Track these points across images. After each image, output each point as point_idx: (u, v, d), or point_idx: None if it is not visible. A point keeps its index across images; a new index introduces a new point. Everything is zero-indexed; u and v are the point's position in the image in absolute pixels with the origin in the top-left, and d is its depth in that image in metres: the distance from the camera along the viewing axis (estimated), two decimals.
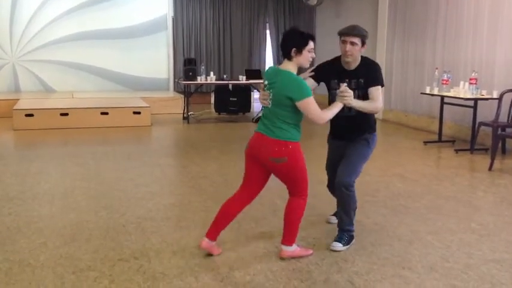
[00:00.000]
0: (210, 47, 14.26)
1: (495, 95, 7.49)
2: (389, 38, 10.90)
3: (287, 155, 3.45)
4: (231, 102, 11.41)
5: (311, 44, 3.46)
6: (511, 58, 7.66)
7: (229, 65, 14.41)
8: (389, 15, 10.86)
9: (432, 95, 8.31)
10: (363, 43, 3.77)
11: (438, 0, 9.25)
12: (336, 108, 3.57)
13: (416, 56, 10.02)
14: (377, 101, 3.79)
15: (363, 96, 3.77)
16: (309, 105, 3.39)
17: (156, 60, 13.92)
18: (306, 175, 3.59)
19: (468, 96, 7.53)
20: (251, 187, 3.70)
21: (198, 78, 10.93)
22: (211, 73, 11.27)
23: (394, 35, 10.73)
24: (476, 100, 7.55)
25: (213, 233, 3.72)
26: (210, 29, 14.22)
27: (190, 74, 10.87)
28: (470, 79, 7.61)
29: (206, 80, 11.01)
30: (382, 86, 3.87)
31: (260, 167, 3.59)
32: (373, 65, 3.90)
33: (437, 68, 8.61)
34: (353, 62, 3.80)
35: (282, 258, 3.68)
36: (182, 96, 11.67)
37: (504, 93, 7.35)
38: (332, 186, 4.13)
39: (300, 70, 3.59)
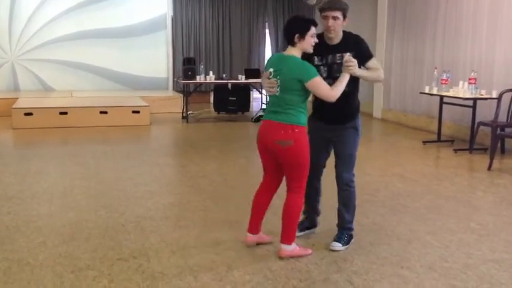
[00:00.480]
0: (209, 46, 14.26)
1: (494, 94, 7.49)
2: (389, 37, 10.90)
3: (293, 138, 3.50)
4: (230, 101, 11.41)
5: (313, 29, 3.54)
6: (510, 58, 7.66)
7: (229, 64, 14.41)
8: (388, 14, 10.87)
9: (431, 94, 8.31)
10: (344, 16, 3.71)
11: None
12: (343, 82, 3.59)
13: (415, 55, 10.03)
14: (379, 69, 3.83)
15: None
16: (318, 84, 3.48)
17: (155, 60, 13.92)
18: (308, 166, 3.61)
19: (467, 96, 7.53)
20: (272, 175, 3.77)
21: (197, 77, 10.94)
22: (211, 72, 11.27)
23: (394, 34, 10.73)
24: (475, 100, 7.55)
25: (253, 227, 3.85)
26: (209, 28, 14.22)
27: (190, 73, 10.87)
28: (470, 79, 7.61)
29: (205, 79, 11.01)
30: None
31: (272, 156, 3.64)
32: (360, 40, 3.81)
33: (436, 68, 8.61)
34: (336, 37, 3.75)
35: (281, 258, 3.68)
36: (181, 95, 11.66)
37: (503, 93, 7.35)
38: (310, 177, 3.91)
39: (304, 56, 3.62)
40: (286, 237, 3.68)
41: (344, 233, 3.96)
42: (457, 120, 8.71)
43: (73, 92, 12.74)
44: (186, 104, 10.95)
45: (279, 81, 3.53)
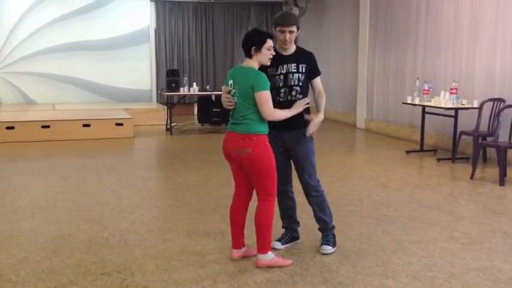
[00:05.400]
0: (192, 58, 14.28)
1: (475, 104, 7.58)
2: (371, 49, 11.00)
3: (251, 146, 3.58)
4: (214, 113, 11.40)
5: (269, 42, 3.63)
6: (490, 68, 7.77)
7: (212, 76, 14.44)
8: (370, 26, 10.98)
9: (413, 104, 8.38)
10: (298, 28, 3.90)
11: (418, 11, 9.38)
12: (289, 113, 3.70)
13: (397, 66, 10.12)
14: (323, 91, 4.05)
15: (303, 80, 3.89)
16: (265, 99, 3.55)
17: (139, 72, 13.89)
18: (274, 172, 3.65)
19: (449, 106, 7.60)
20: (242, 185, 3.81)
21: (181, 89, 10.92)
22: (194, 84, 11.26)
23: (375, 45, 10.84)
24: (457, 109, 7.63)
25: (236, 242, 3.87)
26: (192, 40, 14.24)
27: (173, 85, 10.86)
28: (451, 89, 7.69)
29: (189, 91, 11.00)
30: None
31: (237, 164, 3.72)
32: (312, 55, 4.02)
33: (418, 78, 8.70)
34: (290, 47, 3.93)
35: (258, 267, 3.70)
36: (165, 107, 11.64)
37: (484, 103, 7.45)
38: (281, 185, 4.00)
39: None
40: (261, 247, 3.70)
41: (330, 234, 4.06)
42: (439, 129, 8.80)
43: (55, 105, 12.65)
44: (170, 116, 10.93)
45: (236, 92, 3.62)
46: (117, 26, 13.52)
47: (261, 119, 3.62)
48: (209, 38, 14.38)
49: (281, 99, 3.83)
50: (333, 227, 4.12)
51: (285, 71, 3.85)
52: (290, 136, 3.91)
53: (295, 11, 12.59)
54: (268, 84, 3.58)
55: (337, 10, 12.50)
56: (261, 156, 3.59)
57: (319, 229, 4.12)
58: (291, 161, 4.04)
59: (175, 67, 13.51)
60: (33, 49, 13.02)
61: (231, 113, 3.74)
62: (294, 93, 3.86)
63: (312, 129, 3.89)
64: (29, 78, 13.08)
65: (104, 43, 13.48)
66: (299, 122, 3.91)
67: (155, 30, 13.99)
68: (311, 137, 3.98)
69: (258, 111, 3.59)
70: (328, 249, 3.99)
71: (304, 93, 3.91)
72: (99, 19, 13.41)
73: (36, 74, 13.10)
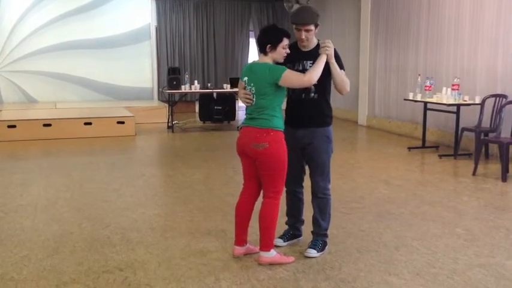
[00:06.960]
0: (193, 55, 14.27)
1: (477, 100, 7.56)
2: (372, 46, 10.99)
3: (268, 141, 3.57)
4: (216, 110, 11.41)
5: (285, 41, 3.61)
6: (492, 64, 7.75)
7: (214, 74, 14.43)
8: (371, 22, 10.96)
9: (415, 101, 8.38)
10: (316, 26, 3.80)
11: (420, 7, 9.36)
12: (319, 64, 3.62)
13: (398, 63, 10.11)
14: (346, 79, 3.84)
15: (321, 77, 3.70)
16: (289, 76, 3.56)
17: (140, 70, 13.89)
18: (284, 171, 3.64)
19: (451, 102, 7.59)
20: (252, 182, 3.79)
21: (182, 87, 10.92)
22: (196, 82, 11.26)
23: (377, 42, 10.82)
24: (458, 106, 7.61)
25: (239, 239, 3.85)
26: (193, 38, 14.24)
27: (174, 83, 10.85)
28: (453, 85, 7.67)
29: (190, 89, 11.00)
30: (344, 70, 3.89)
31: (250, 161, 3.69)
32: (334, 50, 3.83)
33: (419, 75, 8.68)
34: (309, 44, 3.84)
35: (260, 264, 3.69)
36: (166, 105, 11.63)
37: (486, 99, 7.43)
38: (290, 184, 4.00)
39: None
40: (264, 244, 3.69)
41: (319, 239, 3.98)
42: (441, 126, 8.78)
43: (57, 103, 12.65)
44: (171, 113, 10.92)
45: (253, 89, 3.60)
46: (118, 24, 13.52)
47: (278, 114, 3.62)
48: (210, 36, 14.37)
49: (294, 97, 3.77)
50: (326, 235, 4.02)
51: (301, 68, 3.77)
52: (305, 133, 3.84)
53: (294, 9, 12.56)
54: (282, 66, 3.57)
55: (339, 7, 12.48)
56: (276, 153, 3.58)
57: (312, 232, 4.04)
58: (305, 160, 3.96)
59: (177, 65, 13.51)
60: (34, 47, 13.02)
61: (246, 109, 3.73)
62: (307, 91, 3.76)
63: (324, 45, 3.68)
64: (31, 76, 13.08)
65: (105, 41, 13.48)
66: (314, 119, 3.84)
67: (156, 28, 13.98)
68: (328, 138, 3.88)
69: (274, 107, 3.60)
70: (313, 252, 3.88)
71: (320, 92, 3.77)
72: (100, 17, 13.40)
73: (38, 73, 13.10)
